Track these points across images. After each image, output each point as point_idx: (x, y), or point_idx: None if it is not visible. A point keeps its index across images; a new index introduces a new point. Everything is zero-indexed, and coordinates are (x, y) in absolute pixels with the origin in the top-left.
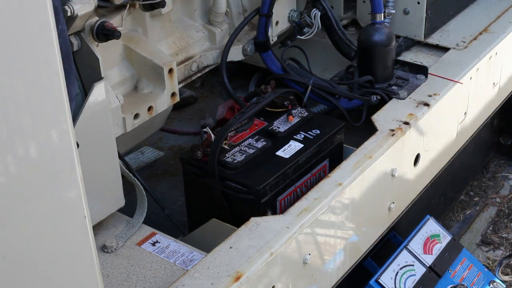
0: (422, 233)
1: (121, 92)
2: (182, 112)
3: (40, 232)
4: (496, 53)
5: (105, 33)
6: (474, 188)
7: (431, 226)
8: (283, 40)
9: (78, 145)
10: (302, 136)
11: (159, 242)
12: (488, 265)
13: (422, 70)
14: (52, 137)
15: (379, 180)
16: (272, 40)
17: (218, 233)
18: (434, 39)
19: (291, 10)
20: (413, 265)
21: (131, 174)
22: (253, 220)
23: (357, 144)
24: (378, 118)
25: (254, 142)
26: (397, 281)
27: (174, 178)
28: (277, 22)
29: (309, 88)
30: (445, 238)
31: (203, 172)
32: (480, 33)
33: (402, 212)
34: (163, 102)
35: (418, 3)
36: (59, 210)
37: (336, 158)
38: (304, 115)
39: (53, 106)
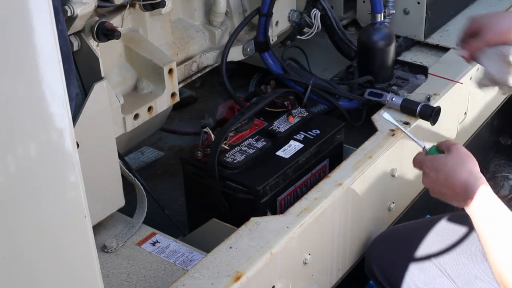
0: None
1: (121, 92)
2: (182, 112)
3: (40, 232)
4: None
5: (105, 33)
6: None
7: None
8: (283, 40)
9: (78, 145)
10: (302, 136)
11: (159, 242)
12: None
13: (422, 70)
14: (52, 137)
15: (379, 180)
16: (272, 40)
17: (218, 233)
18: (434, 39)
19: (291, 10)
20: None
21: (131, 174)
22: (253, 220)
23: (357, 144)
24: (378, 118)
25: (254, 142)
26: None
27: (174, 178)
28: (277, 22)
29: (309, 88)
30: None
31: (203, 172)
32: None
33: (402, 212)
34: (163, 102)
35: (418, 3)
36: (59, 210)
37: (336, 158)
38: (304, 115)
39: (53, 106)
